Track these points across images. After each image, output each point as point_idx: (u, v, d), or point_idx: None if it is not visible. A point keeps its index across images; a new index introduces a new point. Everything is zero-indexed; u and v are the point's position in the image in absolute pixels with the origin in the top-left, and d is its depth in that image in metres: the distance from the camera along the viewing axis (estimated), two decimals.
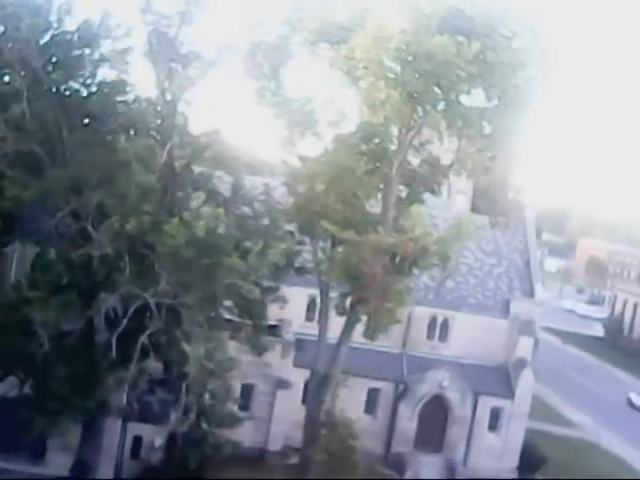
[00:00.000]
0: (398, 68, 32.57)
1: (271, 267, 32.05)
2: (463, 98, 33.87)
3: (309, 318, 46.07)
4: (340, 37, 33.90)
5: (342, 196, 34.71)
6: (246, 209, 35.98)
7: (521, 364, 47.06)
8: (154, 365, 33.35)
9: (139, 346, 30.64)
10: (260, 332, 35.33)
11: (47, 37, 33.92)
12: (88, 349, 32.15)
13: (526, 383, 46.70)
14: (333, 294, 37.51)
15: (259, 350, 35.83)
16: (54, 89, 33.65)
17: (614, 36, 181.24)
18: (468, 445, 46.45)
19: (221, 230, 31.49)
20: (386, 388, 46.17)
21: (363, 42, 31.93)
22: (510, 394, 46.64)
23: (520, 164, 36.52)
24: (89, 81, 34.82)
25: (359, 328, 35.90)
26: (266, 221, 35.78)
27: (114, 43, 34.55)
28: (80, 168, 31.02)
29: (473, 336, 47.81)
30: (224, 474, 37.82)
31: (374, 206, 37.01)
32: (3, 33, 33.09)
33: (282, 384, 43.49)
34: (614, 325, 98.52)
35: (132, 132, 34.74)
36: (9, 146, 31.29)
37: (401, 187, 37.74)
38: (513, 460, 46.72)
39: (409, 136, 35.52)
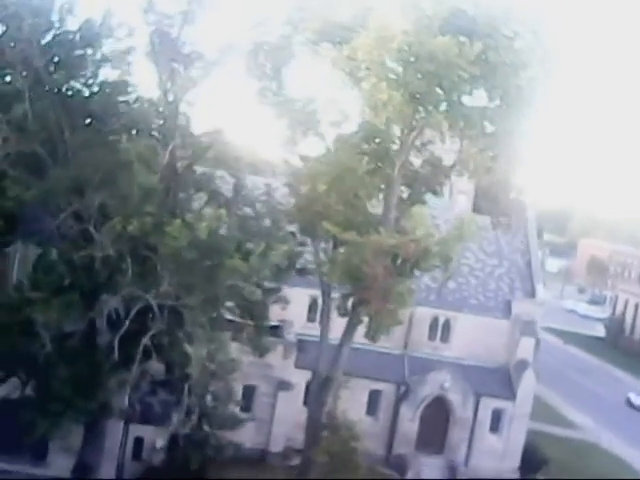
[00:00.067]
0: (400, 69, 32.50)
1: (273, 268, 31.96)
2: (465, 98, 33.81)
3: (311, 319, 46.09)
4: (342, 37, 33.84)
5: (344, 196, 34.69)
6: (248, 210, 35.91)
7: (522, 365, 47.02)
8: (156, 366, 33.24)
9: (141, 347, 30.53)
10: (262, 333, 35.24)
11: (49, 37, 33.80)
12: (90, 350, 32.04)
13: (527, 385, 46.69)
14: (335, 295, 37.47)
15: (261, 351, 35.74)
16: (56, 89, 33.56)
17: (616, 36, 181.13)
18: (470, 447, 46.45)
19: (223, 231, 31.42)
20: (388, 389, 46.15)
21: (365, 43, 31.88)
22: (512, 396, 46.61)
23: (522, 164, 36.49)
24: (91, 81, 34.71)
25: (360, 329, 35.87)
26: (268, 222, 35.71)
27: (116, 43, 34.44)
28: (82, 168, 30.93)
29: (474, 337, 47.82)
30: (226, 475, 37.83)
31: (375, 207, 36.97)
32: (5, 33, 33.02)
33: (284, 385, 43.46)
34: (615, 325, 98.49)
35: (134, 132, 34.66)
36: (11, 146, 31.19)
37: (403, 188, 37.69)
38: (514, 461, 46.72)
39: (411, 136, 35.47)
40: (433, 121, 33.55)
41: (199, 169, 35.90)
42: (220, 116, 41.14)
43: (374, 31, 31.68)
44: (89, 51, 34.26)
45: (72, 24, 34.41)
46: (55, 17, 34.17)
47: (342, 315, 36.66)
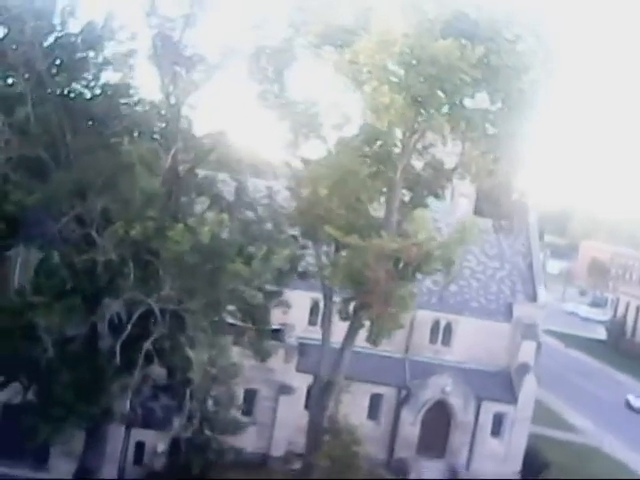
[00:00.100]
0: (402, 72, 32.50)
1: (274, 272, 31.90)
2: (467, 101, 33.81)
3: (312, 322, 46.00)
4: (344, 40, 33.83)
5: (345, 200, 34.63)
6: (249, 213, 35.86)
7: (524, 369, 46.94)
8: (158, 371, 33.19)
9: (143, 352, 30.46)
10: (263, 337, 35.18)
11: (51, 40, 33.72)
12: (92, 355, 31.94)
13: (529, 388, 46.61)
14: (336, 299, 37.42)
15: (262, 355, 35.65)
16: (58, 92, 33.51)
17: (617, 39, 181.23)
18: (471, 450, 46.37)
19: (225, 235, 31.35)
20: (389, 393, 46.06)
21: (367, 46, 31.87)
22: (513, 399, 46.53)
23: (524, 167, 36.46)
24: (93, 84, 34.64)
25: (362, 333, 35.81)
26: (269, 226, 35.67)
27: (118, 46, 34.36)
28: (84, 171, 30.83)
29: (476, 340, 47.74)
30: None
31: (377, 210, 36.92)
32: (7, 35, 32.95)
33: (285, 389, 43.36)
34: (617, 328, 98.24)
35: (136, 135, 34.61)
36: (13, 150, 31.12)
37: (404, 191, 37.65)
38: (516, 465, 46.62)
39: (413, 139, 35.43)
40: (435, 124, 33.53)
41: (201, 172, 35.86)
42: (222, 119, 41.15)
43: (376, 34, 31.68)
44: (91, 54, 34.18)
45: (74, 27, 34.34)
46: (57, 20, 34.08)
47: (344, 319, 36.62)
